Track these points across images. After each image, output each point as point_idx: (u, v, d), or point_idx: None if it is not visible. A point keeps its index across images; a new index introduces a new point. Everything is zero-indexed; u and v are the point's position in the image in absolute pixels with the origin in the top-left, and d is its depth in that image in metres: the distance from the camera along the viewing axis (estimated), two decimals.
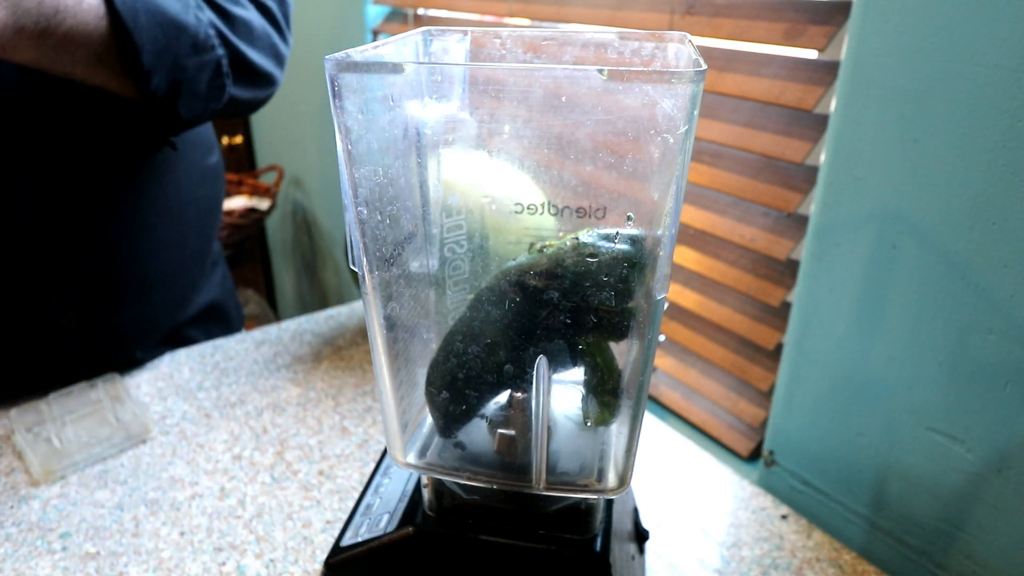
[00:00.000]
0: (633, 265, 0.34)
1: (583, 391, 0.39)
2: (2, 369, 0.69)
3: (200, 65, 0.61)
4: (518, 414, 0.40)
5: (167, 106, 0.61)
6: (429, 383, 0.40)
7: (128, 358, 0.76)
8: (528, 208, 0.36)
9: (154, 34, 0.57)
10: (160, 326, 0.78)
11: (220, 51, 0.63)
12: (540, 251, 0.36)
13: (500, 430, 0.40)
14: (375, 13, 1.29)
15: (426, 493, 0.42)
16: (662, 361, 0.81)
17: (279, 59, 0.72)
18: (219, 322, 0.89)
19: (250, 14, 0.68)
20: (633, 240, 0.35)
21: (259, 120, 2.01)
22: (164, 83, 0.59)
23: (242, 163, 2.07)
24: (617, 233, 0.35)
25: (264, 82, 0.70)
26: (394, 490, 0.47)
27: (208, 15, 0.63)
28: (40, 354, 0.70)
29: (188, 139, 0.74)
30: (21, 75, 0.59)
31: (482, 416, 0.41)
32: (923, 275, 0.51)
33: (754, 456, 0.72)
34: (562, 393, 0.43)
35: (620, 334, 0.37)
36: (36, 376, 0.70)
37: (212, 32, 0.62)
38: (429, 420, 0.43)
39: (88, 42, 0.55)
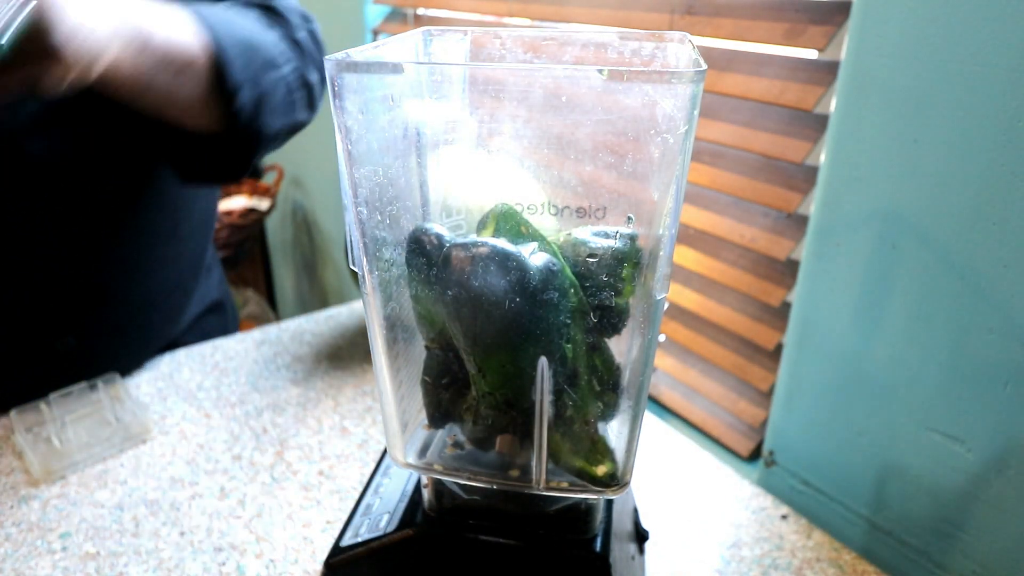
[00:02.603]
0: (626, 261, 0.34)
1: (583, 390, 0.39)
2: (2, 380, 0.70)
3: (275, 81, 0.62)
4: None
5: (251, 123, 0.61)
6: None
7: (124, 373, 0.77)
8: (528, 208, 0.36)
9: (237, 50, 0.58)
10: (157, 340, 0.79)
11: (289, 67, 0.64)
12: (540, 250, 0.36)
13: None
14: (375, 13, 1.29)
15: (426, 493, 0.42)
16: (662, 361, 0.81)
17: (323, 82, 0.72)
18: (216, 326, 0.89)
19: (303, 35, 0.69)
20: (630, 239, 0.35)
21: None
22: (249, 99, 0.60)
23: None
24: (617, 232, 0.35)
25: (314, 104, 0.71)
26: (394, 490, 0.47)
27: (276, 33, 0.64)
28: (38, 372, 0.70)
29: None
30: (43, 115, 0.59)
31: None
32: (923, 275, 0.51)
33: (754, 456, 0.72)
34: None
35: (619, 333, 0.37)
36: (35, 386, 0.70)
37: (284, 47, 0.64)
38: None
39: (190, 66, 0.55)
